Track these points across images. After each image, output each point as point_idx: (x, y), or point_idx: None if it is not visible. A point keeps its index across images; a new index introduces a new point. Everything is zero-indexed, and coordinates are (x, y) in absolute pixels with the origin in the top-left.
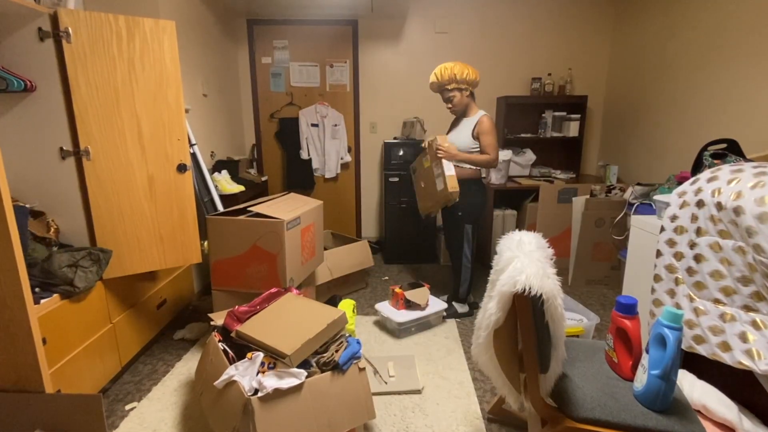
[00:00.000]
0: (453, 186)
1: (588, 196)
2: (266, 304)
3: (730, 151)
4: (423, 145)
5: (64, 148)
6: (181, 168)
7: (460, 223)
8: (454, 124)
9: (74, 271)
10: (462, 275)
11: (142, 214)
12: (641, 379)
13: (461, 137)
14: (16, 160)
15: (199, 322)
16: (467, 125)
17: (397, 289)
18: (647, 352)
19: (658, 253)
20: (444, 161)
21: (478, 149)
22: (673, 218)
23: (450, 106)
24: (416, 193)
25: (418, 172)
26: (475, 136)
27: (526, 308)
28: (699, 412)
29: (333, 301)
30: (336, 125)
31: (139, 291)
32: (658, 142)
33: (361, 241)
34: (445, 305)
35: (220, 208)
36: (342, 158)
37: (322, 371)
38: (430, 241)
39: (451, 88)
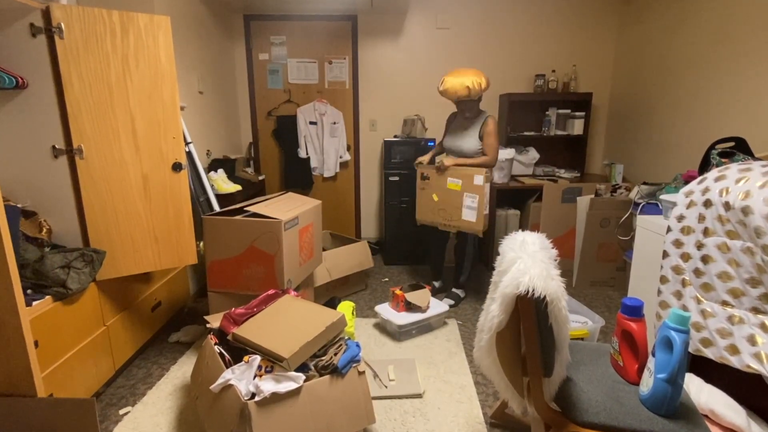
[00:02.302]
0: (485, 225)
1: (593, 196)
2: (263, 306)
3: (738, 149)
4: (439, 162)
5: (57, 146)
6: (177, 167)
7: None
8: (458, 124)
9: (67, 272)
10: (466, 263)
11: (137, 214)
12: (647, 383)
13: (469, 141)
14: (8, 158)
15: (195, 324)
16: (474, 127)
17: (398, 291)
18: (653, 355)
19: (665, 254)
20: (485, 198)
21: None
22: (680, 218)
23: (468, 114)
24: (419, 200)
25: (432, 184)
26: (481, 137)
27: (530, 310)
28: (706, 416)
29: (332, 303)
30: (335, 123)
31: (134, 293)
32: (664, 140)
33: (360, 242)
34: (446, 307)
35: (217, 207)
36: (341, 157)
37: (321, 375)
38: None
39: (475, 99)
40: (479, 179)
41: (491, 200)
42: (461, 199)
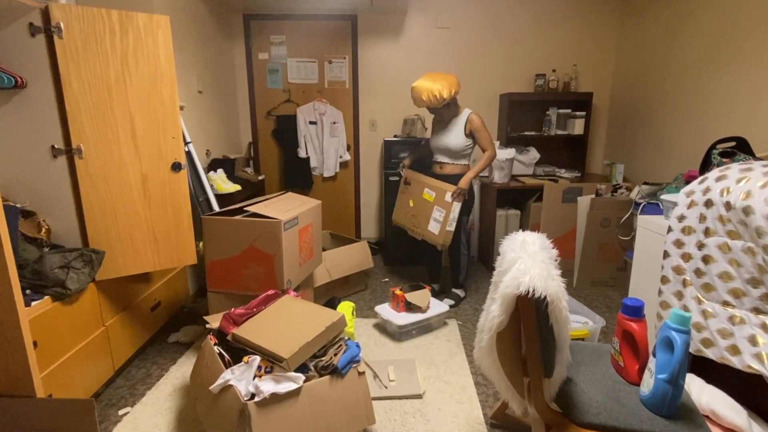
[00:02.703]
0: (447, 241)
1: (593, 196)
2: (263, 306)
3: (740, 149)
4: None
5: (56, 146)
6: (176, 167)
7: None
8: (440, 125)
9: (66, 272)
10: (461, 262)
11: (136, 214)
12: (648, 384)
13: (455, 138)
14: (7, 158)
15: (194, 324)
16: (457, 125)
17: (398, 291)
18: (654, 355)
19: (666, 254)
20: (451, 215)
21: (471, 145)
22: (681, 218)
23: (441, 119)
24: (398, 202)
25: (412, 190)
26: (468, 134)
27: (530, 310)
28: (707, 417)
29: (332, 303)
30: (335, 123)
31: (133, 293)
32: (665, 140)
33: (360, 242)
34: (447, 308)
35: (216, 207)
36: (341, 157)
37: (321, 375)
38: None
39: (441, 107)
40: (449, 196)
41: (490, 204)
42: (431, 210)
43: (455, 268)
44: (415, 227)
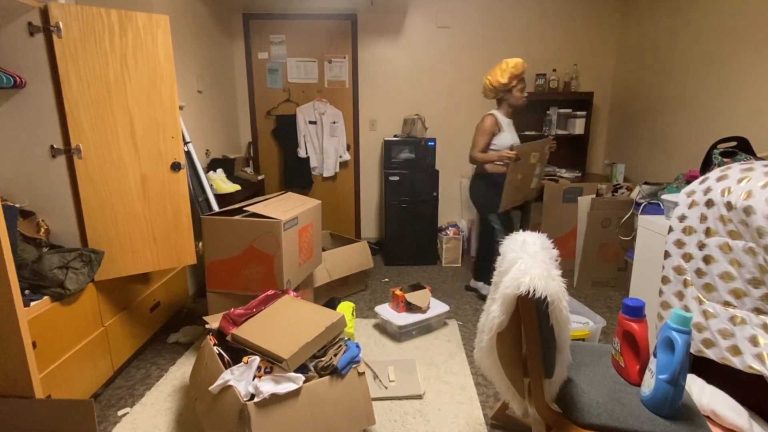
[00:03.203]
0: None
1: (594, 196)
2: (263, 306)
3: (740, 149)
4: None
5: (55, 146)
6: (175, 166)
7: (484, 215)
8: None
9: (65, 272)
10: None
11: (135, 214)
12: (649, 384)
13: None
14: (6, 158)
15: (194, 325)
16: None
17: (398, 292)
18: (655, 356)
19: (666, 254)
20: (544, 164)
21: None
22: (682, 218)
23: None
24: (507, 184)
25: (522, 163)
26: None
27: (531, 311)
28: (708, 417)
29: (332, 304)
30: (335, 122)
31: (132, 293)
32: (666, 139)
33: (360, 242)
34: (447, 308)
35: (216, 207)
36: (341, 156)
37: (321, 376)
38: (431, 243)
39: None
40: (547, 149)
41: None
42: (534, 170)
43: (486, 264)
44: (521, 194)
